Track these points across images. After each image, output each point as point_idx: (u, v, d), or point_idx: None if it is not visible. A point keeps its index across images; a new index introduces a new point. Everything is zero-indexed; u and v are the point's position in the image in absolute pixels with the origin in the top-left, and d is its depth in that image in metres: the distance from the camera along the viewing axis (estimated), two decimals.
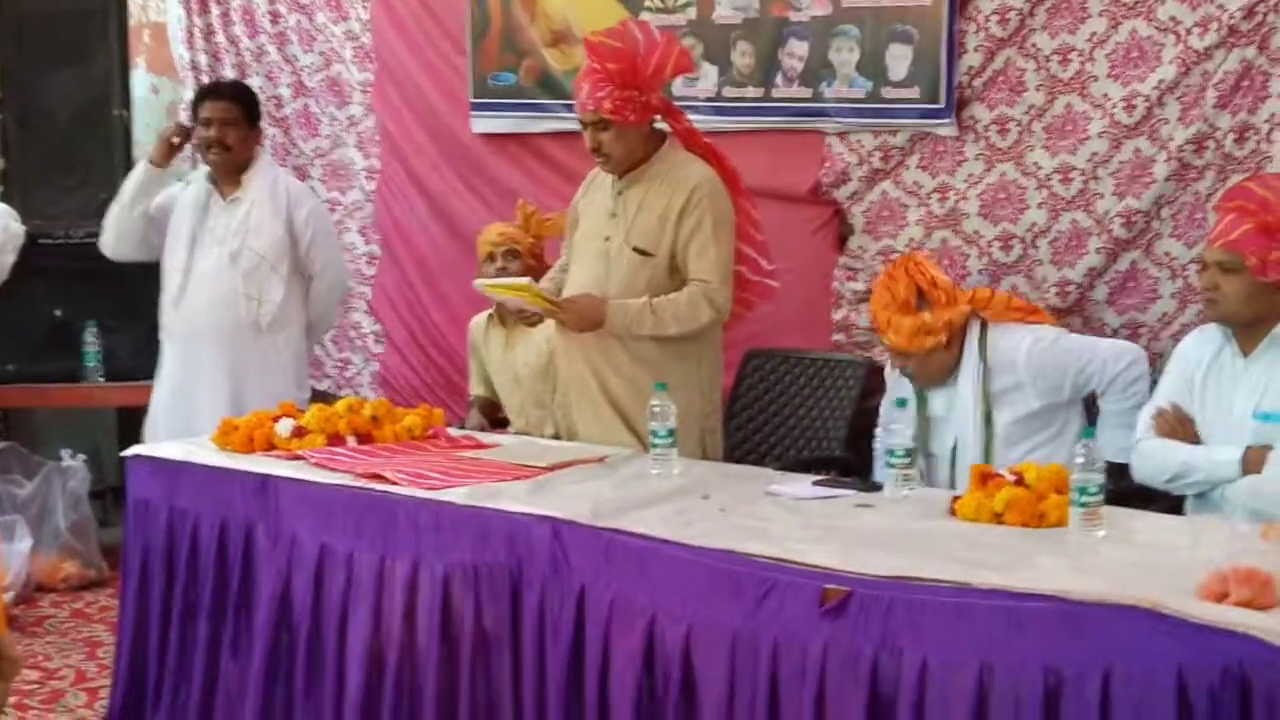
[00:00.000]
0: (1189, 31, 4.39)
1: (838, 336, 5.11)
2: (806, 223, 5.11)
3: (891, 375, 4.35)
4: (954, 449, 4.13)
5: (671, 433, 3.77)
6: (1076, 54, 4.62)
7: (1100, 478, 3.15)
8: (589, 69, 4.14)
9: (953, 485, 4.02)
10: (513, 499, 3.60)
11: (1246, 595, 2.70)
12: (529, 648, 3.44)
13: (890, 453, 3.58)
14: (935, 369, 4.15)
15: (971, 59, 4.77)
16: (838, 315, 5.10)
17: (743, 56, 5.22)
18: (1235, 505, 3.45)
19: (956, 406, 4.14)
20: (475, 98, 5.85)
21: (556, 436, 4.37)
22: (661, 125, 4.28)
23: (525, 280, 4.29)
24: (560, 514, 3.47)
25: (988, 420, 4.10)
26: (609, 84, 4.08)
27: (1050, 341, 4.11)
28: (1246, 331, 3.61)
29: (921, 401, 4.18)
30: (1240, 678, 2.61)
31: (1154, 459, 3.66)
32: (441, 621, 3.57)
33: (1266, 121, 4.27)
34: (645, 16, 5.23)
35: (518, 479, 3.79)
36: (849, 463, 4.57)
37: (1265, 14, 4.25)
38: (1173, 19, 4.43)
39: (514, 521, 3.50)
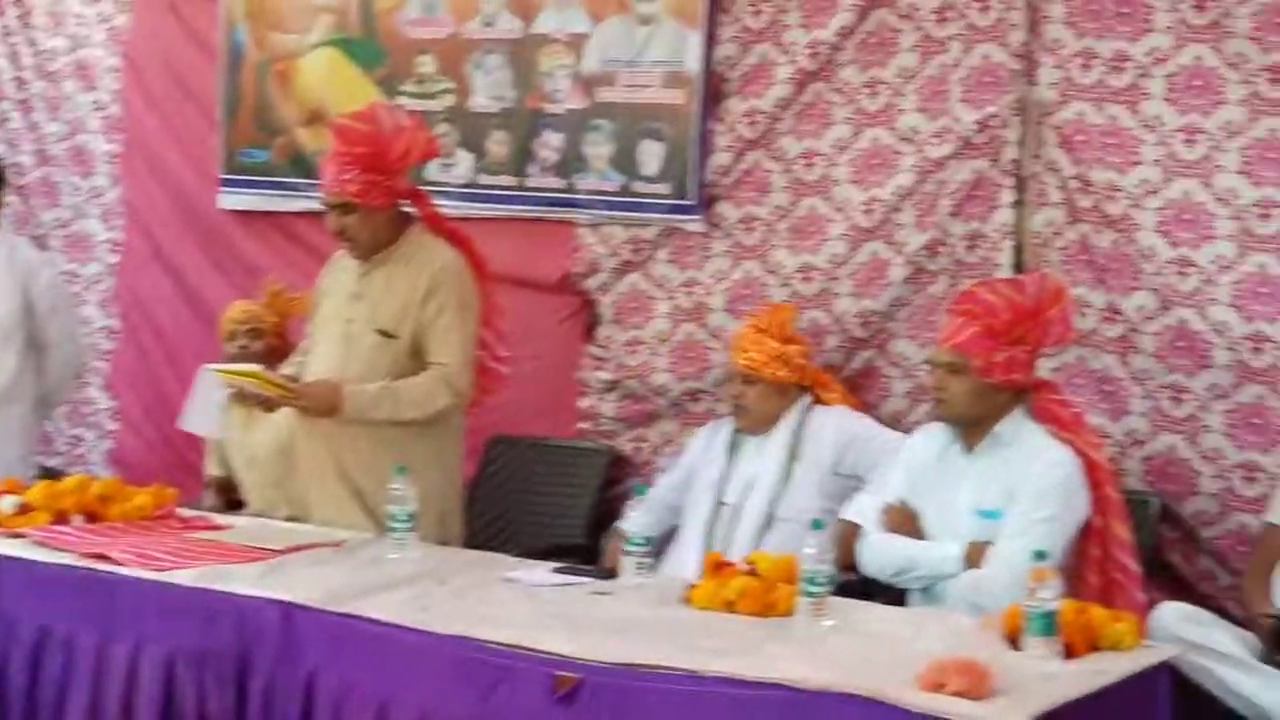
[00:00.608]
0: (927, 142, 4.57)
1: (583, 425, 5.13)
2: (555, 311, 5.14)
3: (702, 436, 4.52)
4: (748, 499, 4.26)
5: (411, 516, 3.73)
6: (821, 158, 4.76)
7: (829, 569, 3.22)
8: (335, 152, 4.12)
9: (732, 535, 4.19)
10: (243, 581, 3.52)
11: (963, 685, 2.78)
12: None
13: (629, 540, 3.60)
14: (767, 408, 4.33)
15: (721, 158, 4.88)
16: (584, 404, 5.13)
17: (498, 145, 5.26)
18: (956, 599, 3.55)
19: (762, 455, 4.27)
20: (225, 173, 5.76)
21: (293, 519, 4.29)
22: (409, 209, 4.27)
23: (256, 367, 4.20)
24: (291, 597, 3.39)
25: (787, 476, 4.24)
26: (354, 167, 4.06)
27: (858, 422, 4.34)
28: (971, 430, 3.74)
29: (734, 449, 4.38)
30: None
31: (881, 553, 3.76)
32: (163, 708, 3.45)
33: (996, 230, 4.45)
34: (402, 102, 5.24)
35: (250, 561, 3.70)
36: (590, 550, 4.59)
37: (997, 128, 4.44)
38: (913, 129, 4.60)
39: (243, 604, 3.42)
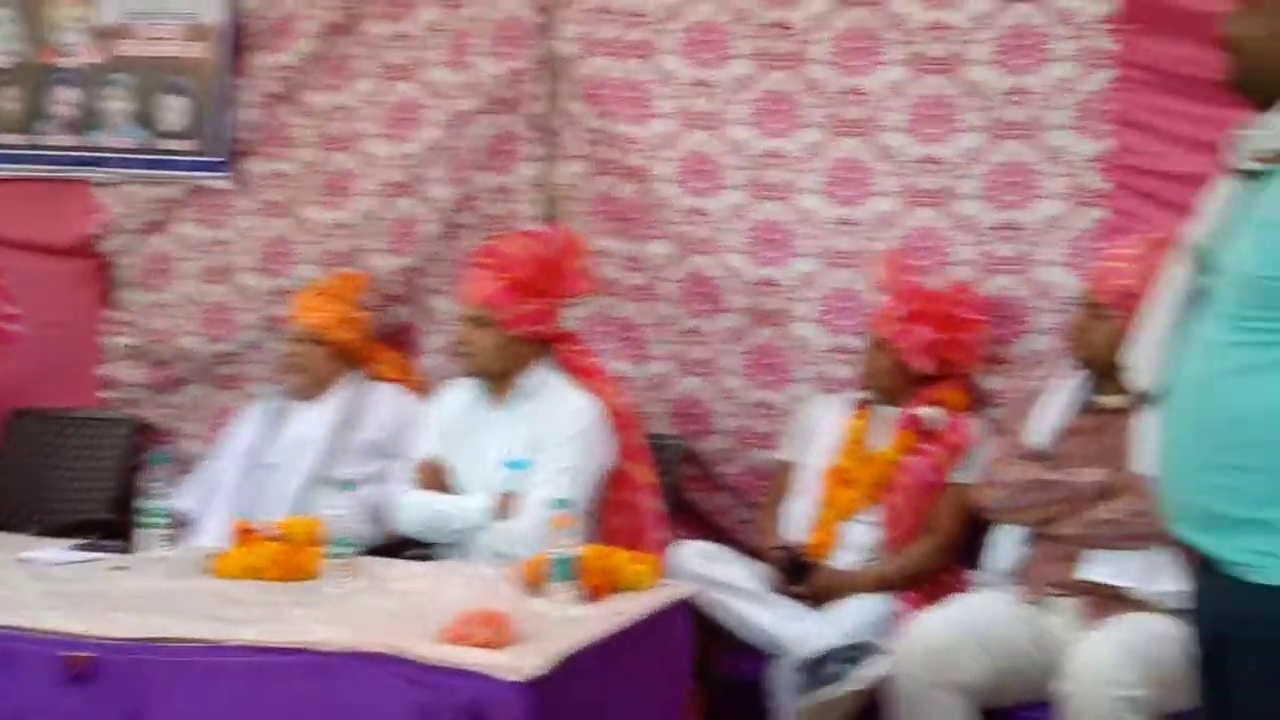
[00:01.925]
0: (453, 96, 4.57)
1: (105, 393, 4.93)
2: (72, 275, 4.91)
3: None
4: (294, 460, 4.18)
5: None
6: (349, 113, 4.70)
7: (358, 530, 3.21)
8: None
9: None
10: None
11: (485, 636, 2.81)
12: None
13: (148, 513, 3.49)
14: (323, 372, 4.28)
15: (248, 114, 4.76)
16: (105, 371, 4.93)
17: (9, 102, 4.97)
18: (487, 551, 3.59)
19: (312, 420, 4.22)
20: None
21: None
22: None
23: None
24: None
25: (336, 441, 4.17)
26: None
27: (415, 405, 4.23)
28: (498, 382, 3.78)
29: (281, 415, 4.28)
30: (478, 714, 2.71)
31: (413, 510, 3.77)
32: None
33: (523, 183, 4.50)
34: None
35: None
36: (115, 525, 4.41)
37: (523, 82, 4.48)
38: (439, 83, 4.59)
39: None
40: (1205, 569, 2.36)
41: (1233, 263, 2.27)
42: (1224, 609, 2.32)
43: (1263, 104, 2.29)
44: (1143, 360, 2.42)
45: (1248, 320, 2.23)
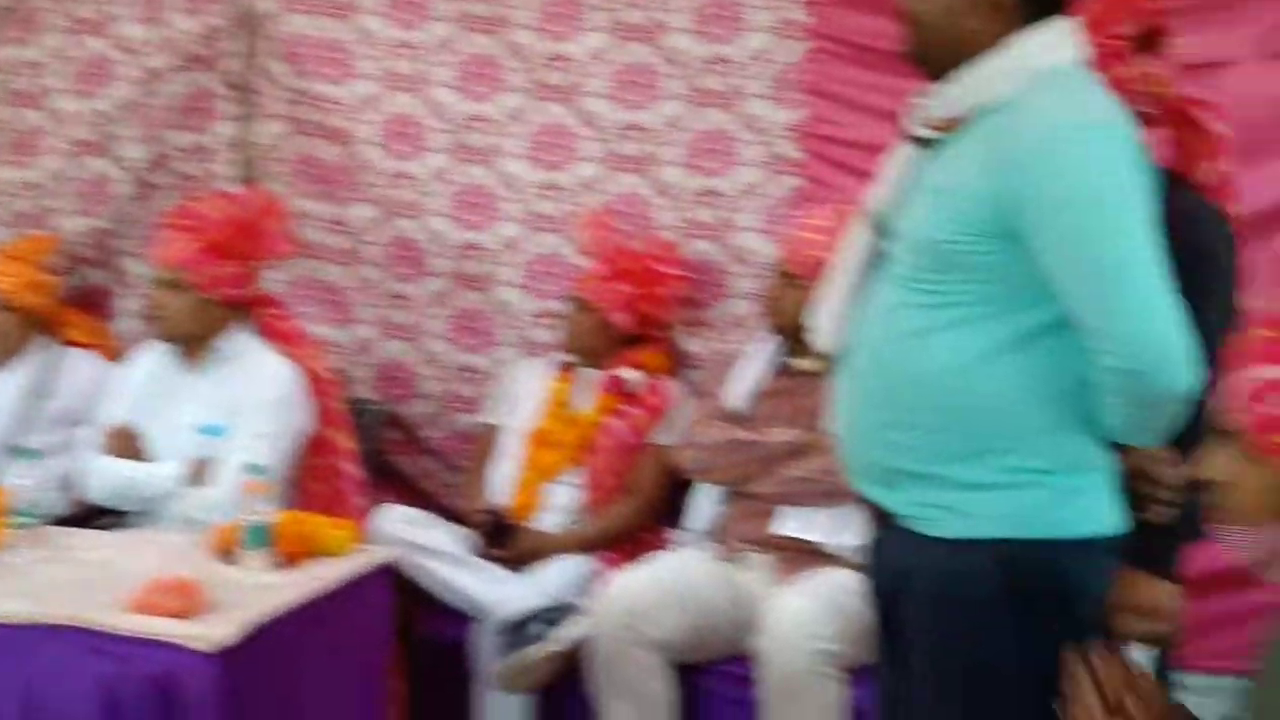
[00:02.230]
0: (146, 52, 4.43)
1: None
2: None
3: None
4: None
5: None
6: (38, 68, 4.52)
7: (39, 499, 3.10)
8: None
9: None
10: None
11: (175, 605, 2.75)
12: None
13: None
14: (10, 342, 4.14)
15: None
16: None
17: None
18: (177, 518, 3.51)
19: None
20: None
21: None
22: None
23: None
24: None
25: (28, 410, 4.04)
26: None
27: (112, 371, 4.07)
28: (193, 347, 3.69)
29: None
30: (167, 684, 2.66)
31: (103, 478, 3.65)
32: None
33: (219, 143, 4.40)
34: None
35: None
36: None
37: (218, 39, 4.37)
38: (131, 38, 4.44)
39: None
40: (882, 523, 2.46)
41: (908, 228, 2.36)
42: (898, 561, 2.42)
43: (937, 74, 2.37)
44: (825, 323, 2.50)
45: (922, 283, 2.32)
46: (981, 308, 2.29)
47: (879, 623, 2.51)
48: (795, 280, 3.63)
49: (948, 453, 2.32)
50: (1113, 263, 2.19)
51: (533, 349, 4.23)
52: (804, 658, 3.26)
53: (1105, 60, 2.48)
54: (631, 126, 4.16)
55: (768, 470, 3.60)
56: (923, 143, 2.38)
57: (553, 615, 3.56)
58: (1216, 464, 1.97)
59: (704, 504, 3.73)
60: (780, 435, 3.61)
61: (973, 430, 2.30)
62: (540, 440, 3.95)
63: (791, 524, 3.56)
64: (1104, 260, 2.19)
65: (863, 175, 3.68)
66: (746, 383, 3.75)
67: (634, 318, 3.97)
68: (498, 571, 3.75)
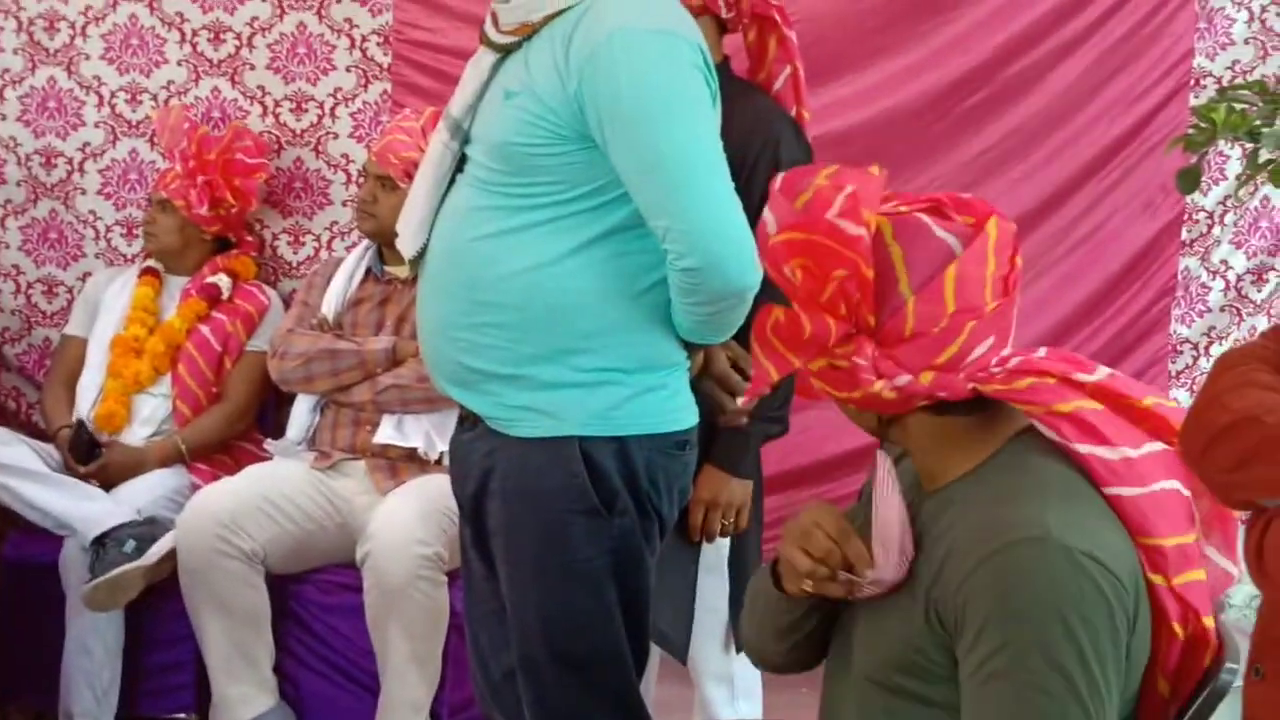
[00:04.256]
0: None
1: None
2: None
3: None
4: None
5: None
6: None
7: None
8: None
9: None
10: None
11: None
12: None
13: None
14: None
15: None
16: None
17: None
18: None
19: None
20: None
21: None
22: None
23: None
24: None
25: None
26: None
27: None
28: None
29: None
30: None
31: None
32: None
33: None
34: None
35: None
36: None
37: None
38: None
39: None
40: (466, 424, 2.49)
41: (483, 132, 2.38)
42: (482, 462, 2.45)
43: None
44: (408, 228, 2.50)
45: (498, 186, 2.35)
46: (557, 209, 2.33)
47: (466, 522, 2.55)
48: (387, 182, 3.62)
49: (527, 353, 2.36)
50: (677, 163, 2.26)
51: (116, 258, 4.10)
52: (408, 563, 3.30)
53: None
54: (217, 27, 4.03)
55: (363, 378, 3.59)
56: (498, 48, 2.40)
57: (142, 530, 3.47)
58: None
59: (300, 412, 3.70)
60: (375, 343, 3.60)
61: (551, 330, 2.35)
62: (125, 348, 3.81)
63: (388, 431, 3.57)
64: (668, 161, 2.26)
65: (452, 81, 3.72)
66: (339, 290, 3.72)
67: (215, 209, 3.88)
68: (85, 488, 3.62)
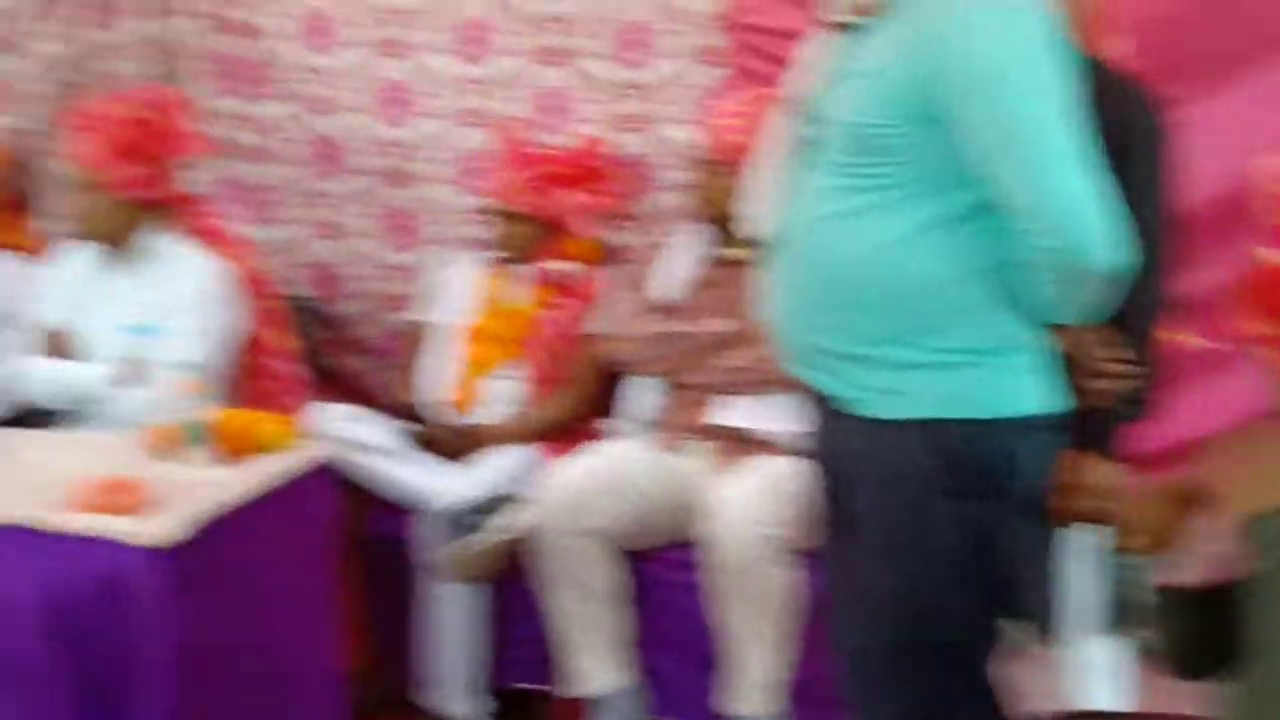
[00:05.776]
0: None
1: None
2: None
3: None
4: None
5: None
6: None
7: None
8: None
9: None
10: None
11: (119, 502, 2.75)
12: None
13: None
14: None
15: None
16: None
17: None
18: (111, 418, 3.48)
19: None
20: None
21: None
22: None
23: None
24: None
25: None
26: None
27: None
28: (116, 247, 3.63)
29: None
30: (114, 582, 2.66)
31: (33, 380, 3.61)
32: None
33: (131, 39, 4.30)
34: None
35: None
36: None
37: None
38: None
39: None
40: (823, 407, 2.50)
41: (833, 113, 2.37)
42: (842, 445, 2.46)
43: None
44: (755, 210, 2.52)
45: (848, 167, 2.34)
46: (907, 190, 2.31)
47: (826, 505, 2.55)
48: (719, 168, 3.64)
49: (880, 334, 2.35)
50: (1033, 141, 2.22)
51: (461, 245, 4.22)
52: (751, 543, 3.32)
53: None
54: (554, 18, 4.12)
55: (701, 361, 3.63)
56: (845, 28, 2.40)
57: (495, 505, 3.58)
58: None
59: (641, 394, 3.76)
60: (712, 326, 3.64)
61: (903, 310, 2.34)
62: (478, 336, 3.95)
63: (729, 413, 3.60)
64: (1023, 139, 2.22)
65: (786, 65, 3.72)
66: (676, 274, 3.77)
67: (556, 215, 3.97)
68: (438, 464, 3.76)
